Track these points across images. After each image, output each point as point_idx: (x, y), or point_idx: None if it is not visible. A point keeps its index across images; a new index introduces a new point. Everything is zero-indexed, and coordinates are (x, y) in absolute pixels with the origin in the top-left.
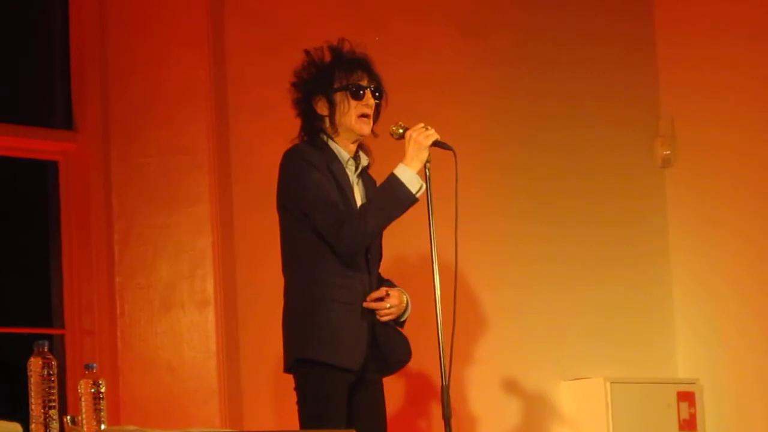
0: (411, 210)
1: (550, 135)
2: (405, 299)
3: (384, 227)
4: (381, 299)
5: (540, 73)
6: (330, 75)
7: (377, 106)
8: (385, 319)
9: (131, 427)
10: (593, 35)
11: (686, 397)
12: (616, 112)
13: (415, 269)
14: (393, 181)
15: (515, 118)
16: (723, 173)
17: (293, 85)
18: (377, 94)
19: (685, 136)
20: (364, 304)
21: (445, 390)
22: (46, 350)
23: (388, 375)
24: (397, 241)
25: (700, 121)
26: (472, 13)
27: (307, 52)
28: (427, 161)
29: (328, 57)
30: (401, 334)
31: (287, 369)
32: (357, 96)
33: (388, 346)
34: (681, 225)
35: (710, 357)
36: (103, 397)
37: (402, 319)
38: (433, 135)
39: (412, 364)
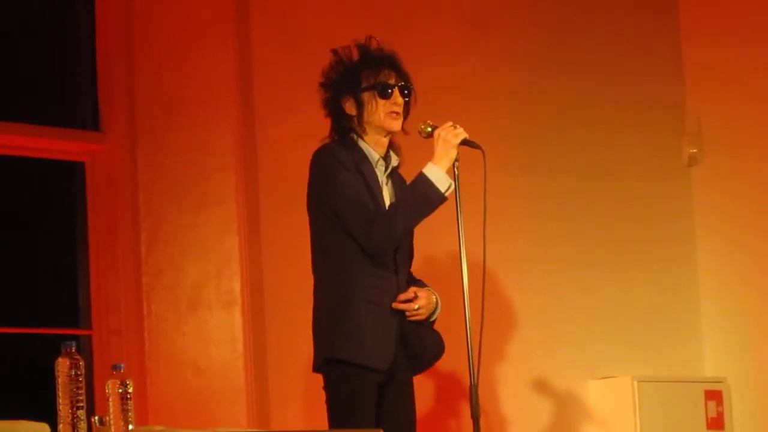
0: (439, 209)
1: (576, 135)
2: (434, 299)
3: (413, 226)
4: (409, 300)
5: (566, 73)
6: (357, 74)
7: (406, 104)
8: (413, 319)
9: (159, 428)
10: (619, 36)
11: (714, 396)
12: (642, 112)
13: (443, 268)
14: (422, 180)
15: (542, 119)
16: (749, 171)
17: (321, 85)
18: (405, 91)
19: (712, 134)
20: (393, 305)
21: (473, 389)
22: (73, 351)
23: (423, 371)
24: (425, 240)
25: (727, 120)
26: (498, 14)
27: (334, 51)
28: (456, 160)
29: (355, 55)
30: (432, 328)
31: (316, 368)
32: (384, 95)
33: (419, 344)
34: (708, 223)
35: (737, 356)
36: (130, 398)
37: (431, 319)
38: (461, 134)
39: (441, 364)
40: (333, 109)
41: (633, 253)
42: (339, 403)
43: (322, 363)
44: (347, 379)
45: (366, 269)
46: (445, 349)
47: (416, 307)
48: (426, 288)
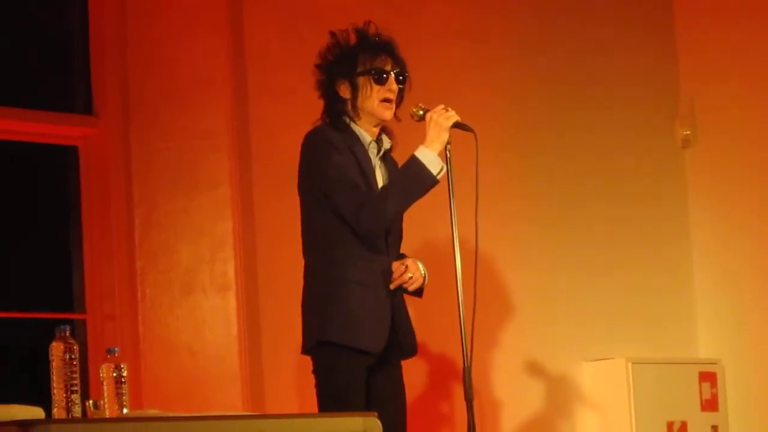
0: (431, 192)
1: (569, 117)
2: (421, 267)
3: (405, 209)
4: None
5: (559, 55)
6: (354, 58)
7: (400, 91)
8: (412, 287)
9: (153, 411)
10: (613, 18)
11: (708, 378)
12: (635, 94)
13: (436, 251)
14: (414, 162)
15: (535, 101)
16: (743, 153)
17: (317, 66)
18: (400, 78)
19: (705, 116)
20: (392, 286)
21: (467, 371)
22: (67, 335)
23: (409, 358)
24: (418, 224)
25: (720, 102)
26: None
27: (332, 34)
28: (448, 143)
29: (353, 39)
30: (411, 324)
31: (306, 351)
32: (380, 81)
33: (402, 331)
34: (701, 205)
35: (732, 337)
36: (125, 381)
37: (421, 287)
38: (453, 116)
39: (435, 347)
40: (327, 91)
41: (627, 235)
42: (329, 387)
43: (314, 345)
44: (337, 362)
45: (357, 252)
46: (417, 352)
47: (410, 275)
48: (410, 258)
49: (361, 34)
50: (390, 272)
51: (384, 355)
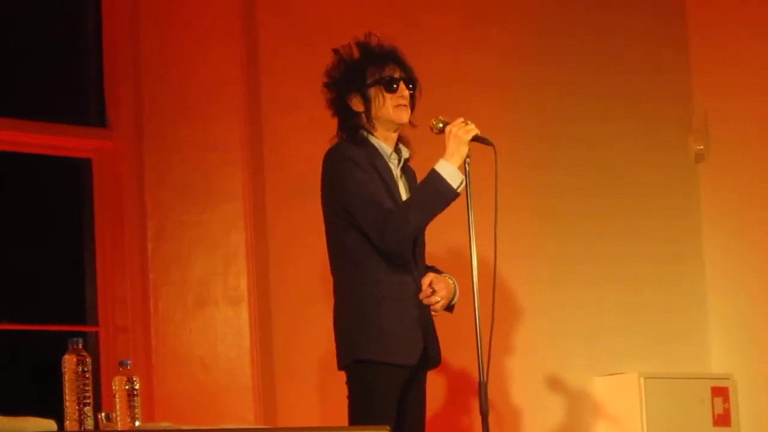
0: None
1: (582, 131)
2: (452, 284)
3: (426, 223)
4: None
5: (573, 69)
6: (361, 71)
7: (412, 97)
8: (438, 310)
9: (165, 424)
10: (626, 31)
11: (720, 393)
12: (649, 108)
13: (451, 265)
14: (434, 176)
15: (549, 115)
16: (757, 168)
17: (326, 85)
18: (410, 84)
19: (718, 131)
20: (422, 300)
21: (482, 386)
22: (80, 347)
23: (433, 368)
24: (433, 237)
25: (733, 116)
26: (506, 8)
27: (335, 51)
28: (467, 156)
29: (356, 53)
30: (436, 334)
31: (342, 368)
32: (390, 89)
33: (430, 342)
34: (714, 220)
35: (744, 352)
36: (137, 394)
37: (452, 303)
38: (473, 130)
39: (453, 361)
40: (340, 107)
41: (640, 250)
42: (363, 401)
43: (350, 363)
44: (375, 378)
45: (385, 267)
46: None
47: (437, 299)
48: (442, 274)
49: (364, 46)
50: (419, 284)
51: (417, 367)
